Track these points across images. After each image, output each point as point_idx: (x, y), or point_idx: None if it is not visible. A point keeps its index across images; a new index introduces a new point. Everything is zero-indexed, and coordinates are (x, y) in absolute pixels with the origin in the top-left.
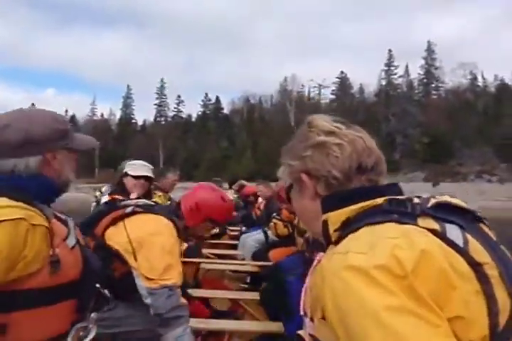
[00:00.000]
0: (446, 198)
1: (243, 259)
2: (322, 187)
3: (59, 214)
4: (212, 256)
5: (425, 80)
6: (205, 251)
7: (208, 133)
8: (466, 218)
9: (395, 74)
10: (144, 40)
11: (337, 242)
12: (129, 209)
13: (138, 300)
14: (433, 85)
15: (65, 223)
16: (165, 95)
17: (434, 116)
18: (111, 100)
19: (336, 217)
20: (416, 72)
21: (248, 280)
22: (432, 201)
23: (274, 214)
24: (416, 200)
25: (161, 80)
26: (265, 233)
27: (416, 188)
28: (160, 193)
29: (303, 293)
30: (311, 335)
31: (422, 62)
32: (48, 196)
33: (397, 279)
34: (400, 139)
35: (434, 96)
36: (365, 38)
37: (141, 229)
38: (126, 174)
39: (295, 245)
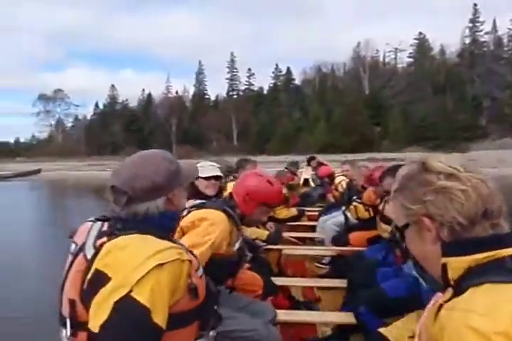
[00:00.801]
0: None
1: (322, 241)
2: (445, 233)
3: (190, 249)
4: (292, 240)
5: None
6: (285, 234)
7: (280, 106)
8: None
9: (481, 30)
10: (212, 14)
11: (456, 287)
12: (185, 212)
13: None
14: None
15: (194, 255)
16: (236, 69)
17: None
18: (184, 77)
19: (458, 264)
20: (505, 27)
21: (325, 262)
22: None
23: (355, 197)
24: None
25: (231, 54)
26: (345, 215)
27: (507, 156)
28: None
29: (418, 327)
30: None
31: None
32: (175, 227)
33: None
34: (486, 102)
35: None
36: None
37: (191, 218)
38: (197, 177)
39: (375, 229)
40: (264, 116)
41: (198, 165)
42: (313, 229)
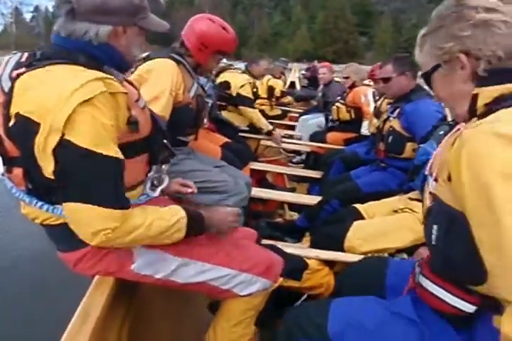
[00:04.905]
0: None
1: (300, 139)
2: (481, 68)
3: (127, 78)
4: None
5: None
6: None
7: (260, 7)
8: None
9: None
10: None
11: (482, 116)
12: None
13: None
14: None
15: (133, 85)
16: None
17: None
18: None
19: (490, 92)
20: None
21: (299, 159)
22: None
23: (339, 97)
24: None
25: None
26: (326, 116)
27: None
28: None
29: (432, 157)
30: (431, 193)
31: None
32: (116, 65)
33: None
34: None
35: None
36: None
37: (138, 72)
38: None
39: (354, 131)
40: (242, 18)
41: None
42: (293, 128)
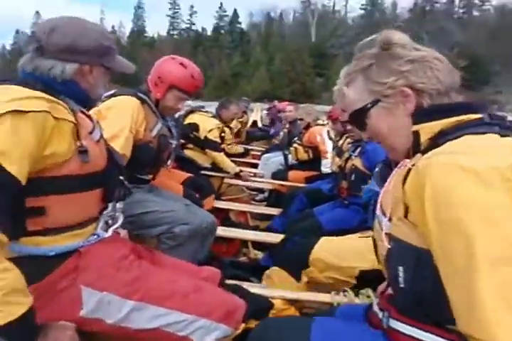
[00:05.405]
0: None
1: (262, 177)
2: (427, 100)
3: (84, 110)
4: None
5: None
6: None
7: (221, 48)
8: None
9: None
10: None
11: (426, 151)
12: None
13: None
14: (477, 1)
15: (90, 118)
16: (178, 5)
17: (474, 36)
18: (121, 11)
19: (430, 128)
20: None
21: (262, 197)
22: None
23: (296, 138)
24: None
25: None
26: (285, 156)
27: None
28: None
29: (380, 196)
30: (387, 234)
31: None
32: (81, 101)
33: (506, 182)
34: None
35: (476, 13)
36: None
37: (99, 107)
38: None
39: (313, 170)
40: (203, 59)
41: None
42: (255, 166)
